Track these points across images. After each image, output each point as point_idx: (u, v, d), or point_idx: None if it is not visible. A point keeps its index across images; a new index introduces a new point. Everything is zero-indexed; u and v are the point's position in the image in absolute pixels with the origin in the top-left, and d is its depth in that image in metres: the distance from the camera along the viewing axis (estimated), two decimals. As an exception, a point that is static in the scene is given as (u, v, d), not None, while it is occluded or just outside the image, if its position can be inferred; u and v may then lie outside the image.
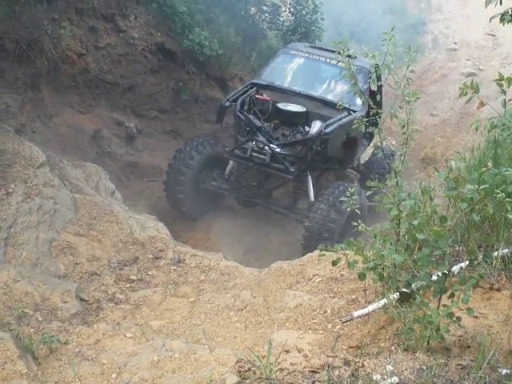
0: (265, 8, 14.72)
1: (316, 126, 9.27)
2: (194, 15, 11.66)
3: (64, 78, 10.13)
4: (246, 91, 9.88)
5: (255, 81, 10.33)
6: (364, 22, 20.15)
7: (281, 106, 9.69)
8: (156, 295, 5.95)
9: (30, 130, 9.11)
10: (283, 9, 14.82)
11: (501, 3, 3.95)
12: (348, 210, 5.07)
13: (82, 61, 10.33)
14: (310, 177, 9.30)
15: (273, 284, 5.97)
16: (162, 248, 7.00)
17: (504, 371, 3.25)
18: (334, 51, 10.01)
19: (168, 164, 9.90)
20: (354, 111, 9.10)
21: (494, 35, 21.44)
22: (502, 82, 4.12)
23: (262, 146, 8.94)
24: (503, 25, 4.00)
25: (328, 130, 8.87)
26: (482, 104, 4.35)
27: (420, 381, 3.18)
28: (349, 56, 5.46)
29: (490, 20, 4.08)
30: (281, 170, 8.99)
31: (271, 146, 8.92)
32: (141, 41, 11.18)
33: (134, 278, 6.30)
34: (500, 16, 3.96)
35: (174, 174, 9.71)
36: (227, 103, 9.57)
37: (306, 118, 9.70)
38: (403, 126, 5.00)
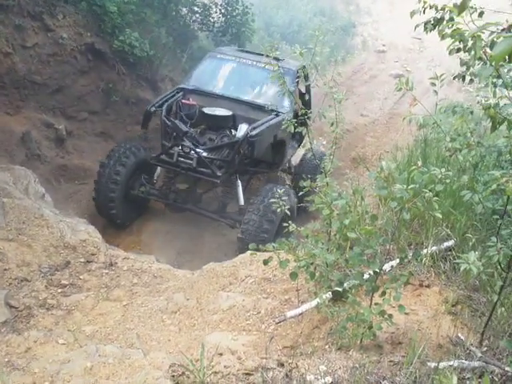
0: (196, 9, 14.72)
1: (242, 129, 9.28)
2: (125, 15, 11.54)
3: (-10, 79, 9.87)
4: (173, 96, 9.83)
5: (182, 86, 10.28)
6: (294, 23, 20.34)
7: (207, 110, 9.65)
8: (88, 300, 5.86)
9: (-45, 132, 8.86)
10: (214, 10, 14.83)
11: (424, 12, 4.12)
12: (279, 211, 5.08)
13: (9, 60, 10.06)
14: (239, 181, 9.34)
15: (206, 286, 5.96)
16: (94, 252, 6.88)
17: (433, 365, 3.34)
18: (261, 54, 10.13)
19: (97, 172, 9.63)
20: (282, 113, 9.12)
21: (420, 39, 22.04)
22: (435, 81, 4.26)
23: (188, 150, 8.88)
24: (426, 33, 4.17)
25: (254, 132, 8.85)
26: (414, 100, 4.49)
27: (353, 379, 3.24)
28: (276, 58, 5.52)
29: (415, 28, 4.25)
30: (208, 175, 8.93)
31: (197, 150, 8.88)
32: (70, 41, 10.97)
33: (66, 282, 6.17)
34: (423, 24, 4.14)
35: (105, 180, 9.45)
36: (152, 108, 9.44)
37: (232, 122, 9.71)
38: (332, 124, 5.08)
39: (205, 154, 8.92)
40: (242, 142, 8.90)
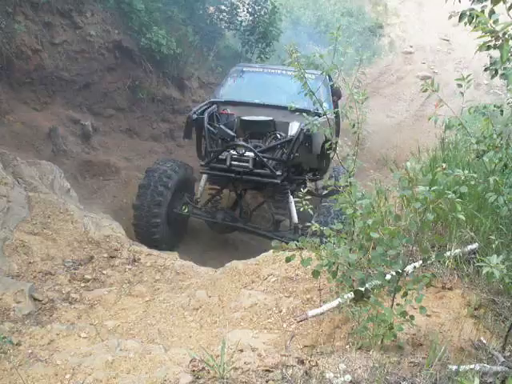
0: (223, 7, 14.75)
1: (294, 127, 8.82)
2: (152, 13, 11.61)
3: (19, 74, 9.99)
4: (209, 107, 9.32)
5: (213, 99, 9.76)
6: (322, 24, 20.30)
7: (247, 117, 9.19)
8: (111, 295, 5.89)
9: (-17, 126, 8.97)
10: (241, 8, 14.85)
11: (459, 1, 4.00)
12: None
13: (37, 57, 10.19)
14: (291, 197, 8.66)
15: (228, 283, 5.97)
16: (117, 247, 6.94)
17: (454, 367, 3.32)
18: (283, 68, 9.71)
19: (137, 196, 8.96)
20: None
21: (448, 40, 21.87)
22: (462, 83, 4.21)
23: (242, 151, 8.41)
24: (464, 25, 4.00)
25: (309, 126, 8.33)
26: (440, 102, 4.45)
27: (373, 378, 3.23)
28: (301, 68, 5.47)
29: (450, 17, 4.09)
30: (266, 176, 8.40)
31: (253, 150, 8.42)
32: (98, 38, 11.09)
33: (89, 277, 6.23)
34: (459, 15, 3.97)
35: (147, 205, 8.81)
36: (194, 116, 8.95)
37: (274, 127, 9.23)
38: (353, 126, 5.08)
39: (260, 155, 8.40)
40: (297, 139, 8.41)
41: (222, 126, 8.92)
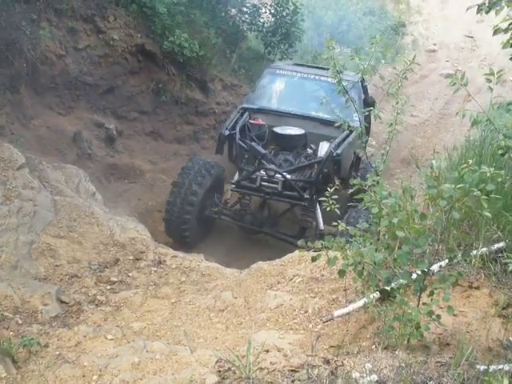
0: (245, 9, 14.77)
1: (324, 148, 8.90)
2: (174, 16, 11.64)
3: (43, 80, 10.06)
4: (241, 116, 9.48)
5: (245, 105, 9.94)
6: (344, 23, 20.18)
7: (278, 130, 9.34)
8: (137, 297, 5.92)
9: (9, 131, 9.02)
10: (263, 10, 14.86)
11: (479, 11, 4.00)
12: None
13: (62, 62, 10.27)
14: (318, 204, 8.63)
15: (253, 284, 5.96)
16: (143, 249, 6.96)
17: (482, 367, 3.28)
18: (317, 67, 9.66)
19: (170, 192, 9.07)
20: (354, 127, 8.75)
21: (472, 37, 21.65)
22: (491, 78, 4.16)
23: (272, 174, 8.57)
24: (480, 15, 4.01)
25: (339, 150, 8.53)
26: (468, 97, 4.39)
27: (399, 378, 3.20)
28: (338, 72, 5.47)
29: (467, 10, 4.10)
30: (294, 198, 8.64)
31: (282, 173, 8.56)
32: (121, 42, 11.13)
33: (115, 279, 6.26)
34: (477, 7, 3.98)
35: (179, 203, 8.88)
36: (227, 132, 9.08)
37: (305, 141, 9.37)
38: (390, 125, 5.06)
39: (289, 177, 8.59)
40: (326, 161, 8.53)
41: (253, 144, 8.95)
